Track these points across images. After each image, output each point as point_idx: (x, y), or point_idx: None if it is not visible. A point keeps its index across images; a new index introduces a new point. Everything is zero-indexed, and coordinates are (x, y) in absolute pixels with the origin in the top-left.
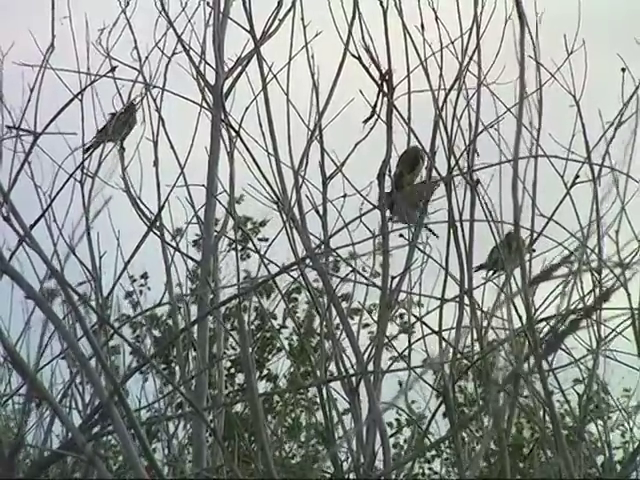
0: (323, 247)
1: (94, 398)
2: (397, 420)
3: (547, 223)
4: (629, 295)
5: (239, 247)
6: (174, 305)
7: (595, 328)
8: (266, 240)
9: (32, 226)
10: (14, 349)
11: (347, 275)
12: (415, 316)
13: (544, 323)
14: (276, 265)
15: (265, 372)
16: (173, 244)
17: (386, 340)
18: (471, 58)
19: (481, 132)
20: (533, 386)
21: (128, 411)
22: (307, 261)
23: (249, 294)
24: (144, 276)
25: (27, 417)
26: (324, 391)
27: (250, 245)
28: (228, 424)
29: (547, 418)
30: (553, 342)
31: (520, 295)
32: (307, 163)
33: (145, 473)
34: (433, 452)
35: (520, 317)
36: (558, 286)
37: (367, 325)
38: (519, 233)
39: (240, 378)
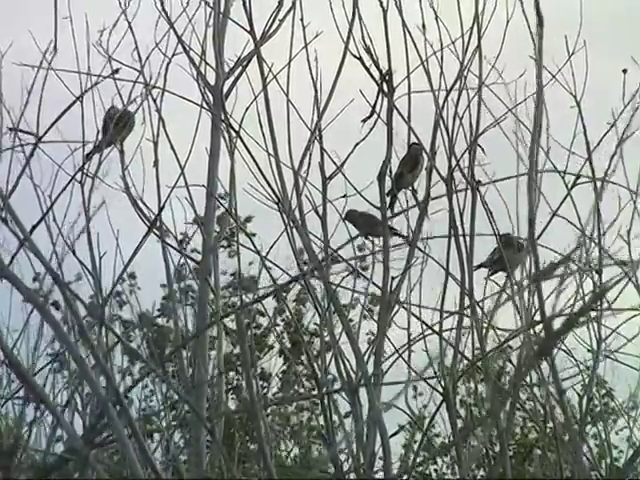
0: (323, 247)
1: (93, 400)
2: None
3: (551, 218)
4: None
5: (233, 249)
6: (175, 312)
7: (596, 328)
8: (254, 235)
9: (33, 229)
10: (11, 351)
11: (347, 275)
12: (416, 316)
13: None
14: (278, 266)
15: (258, 370)
16: (174, 244)
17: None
18: (472, 58)
19: (482, 132)
20: (533, 387)
21: (130, 420)
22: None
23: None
24: (132, 276)
25: (23, 421)
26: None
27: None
28: (225, 424)
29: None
30: (550, 339)
31: (522, 295)
32: (309, 164)
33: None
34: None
35: (521, 317)
36: (558, 286)
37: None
38: (533, 232)
39: (231, 376)
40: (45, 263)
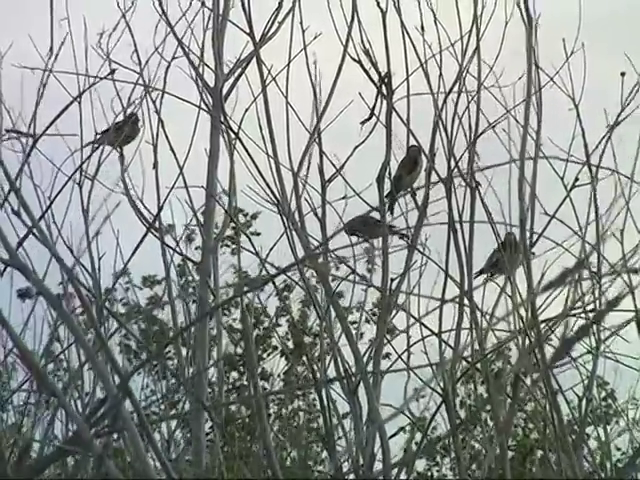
0: (322, 249)
1: (92, 398)
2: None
3: (549, 222)
4: (634, 297)
5: (236, 247)
6: (173, 305)
7: (595, 330)
8: (258, 234)
9: (39, 219)
10: (20, 341)
11: (347, 277)
12: (414, 317)
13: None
14: (273, 266)
15: (259, 370)
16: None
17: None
18: (470, 60)
19: (481, 134)
20: (534, 388)
21: (136, 407)
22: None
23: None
24: (125, 272)
25: (38, 415)
26: (323, 392)
27: (249, 245)
28: (226, 424)
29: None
30: (561, 349)
31: (524, 301)
32: (308, 166)
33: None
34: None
35: (522, 318)
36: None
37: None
38: (524, 231)
39: (234, 376)
40: (54, 253)
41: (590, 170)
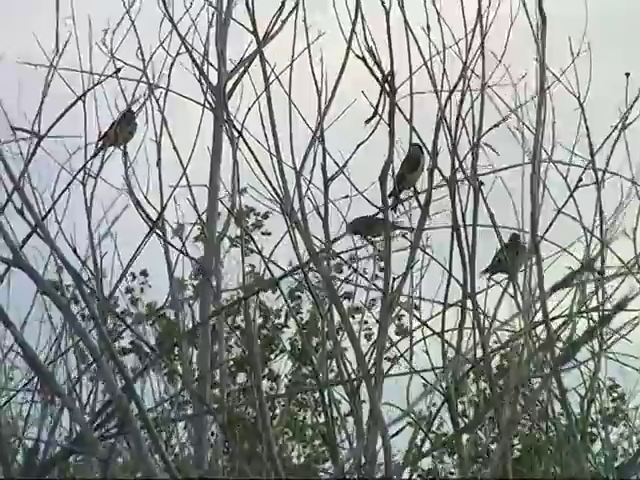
0: (325, 250)
1: (94, 400)
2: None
3: (556, 216)
4: None
5: (241, 247)
6: (178, 307)
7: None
8: (269, 234)
9: (43, 218)
10: (25, 343)
11: (348, 277)
12: (417, 318)
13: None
14: (279, 267)
15: (267, 371)
16: (176, 245)
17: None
18: (475, 58)
19: (485, 133)
20: (535, 389)
21: (140, 408)
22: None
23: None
24: (144, 273)
25: (43, 414)
26: (326, 393)
27: (252, 245)
28: (229, 424)
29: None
30: (568, 352)
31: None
32: (313, 165)
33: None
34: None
35: (527, 317)
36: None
37: (368, 328)
38: (536, 228)
39: (242, 377)
40: (60, 255)
41: (595, 172)
